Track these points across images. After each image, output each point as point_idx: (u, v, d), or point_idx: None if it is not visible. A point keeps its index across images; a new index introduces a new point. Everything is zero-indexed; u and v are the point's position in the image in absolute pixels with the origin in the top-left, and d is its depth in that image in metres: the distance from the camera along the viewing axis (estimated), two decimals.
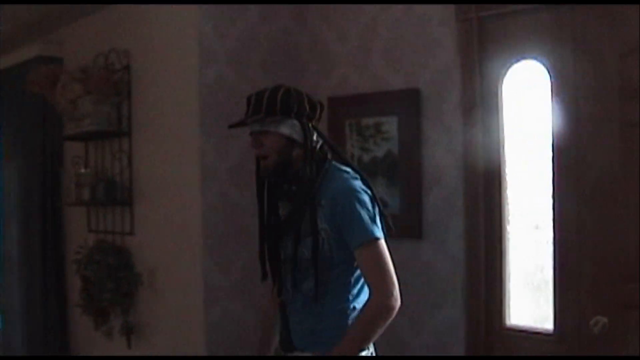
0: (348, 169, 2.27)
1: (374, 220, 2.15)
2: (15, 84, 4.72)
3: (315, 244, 2.17)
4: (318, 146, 2.29)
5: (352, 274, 2.21)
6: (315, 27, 3.63)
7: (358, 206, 2.14)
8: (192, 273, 3.44)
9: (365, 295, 2.21)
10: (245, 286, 3.47)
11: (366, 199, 2.17)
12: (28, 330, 4.83)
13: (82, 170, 4.09)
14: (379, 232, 2.14)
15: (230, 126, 2.40)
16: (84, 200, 3.99)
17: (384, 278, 2.10)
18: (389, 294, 2.09)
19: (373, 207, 2.17)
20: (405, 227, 3.17)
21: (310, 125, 2.28)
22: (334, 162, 2.30)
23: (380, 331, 2.10)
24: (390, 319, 2.09)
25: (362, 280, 2.21)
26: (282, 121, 2.24)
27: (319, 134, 2.32)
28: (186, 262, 3.49)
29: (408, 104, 3.16)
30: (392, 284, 2.10)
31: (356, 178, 2.23)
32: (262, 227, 2.39)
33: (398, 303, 2.10)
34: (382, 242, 2.14)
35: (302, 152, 2.25)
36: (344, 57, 3.48)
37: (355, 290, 2.22)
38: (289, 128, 2.24)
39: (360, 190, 2.18)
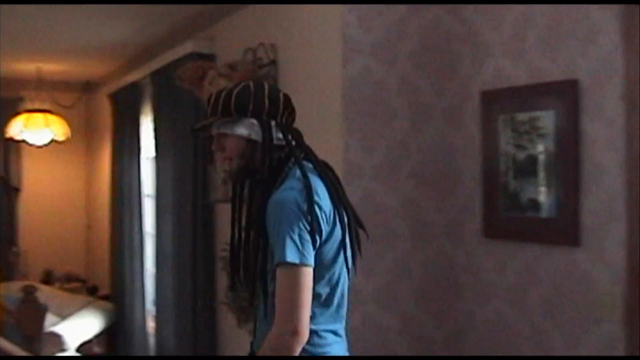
0: (300, 175, 2.13)
1: (295, 242, 2.00)
2: (170, 81, 4.96)
3: (256, 255, 2.14)
4: (286, 145, 2.21)
5: None
6: (468, 16, 3.52)
7: (281, 222, 2.03)
8: None
9: (321, 317, 2.14)
10: (390, 291, 3.43)
11: (294, 215, 2.03)
12: (179, 322, 5.06)
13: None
14: (294, 256, 1.99)
15: (193, 131, 2.38)
16: (229, 198, 4.11)
17: (283, 310, 1.99)
18: (284, 329, 1.97)
19: (301, 226, 2.02)
20: (561, 232, 3.01)
21: (273, 123, 2.21)
22: (297, 165, 2.17)
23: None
24: (289, 353, 1.99)
25: (320, 298, 2.13)
26: (238, 121, 2.19)
27: (286, 132, 2.23)
28: None
29: (566, 96, 2.99)
30: (292, 318, 1.97)
31: (296, 188, 2.08)
32: (232, 233, 2.34)
33: (298, 340, 1.97)
34: (298, 269, 1.99)
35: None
36: (498, 47, 3.35)
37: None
38: (247, 128, 2.19)
39: (292, 203, 2.04)
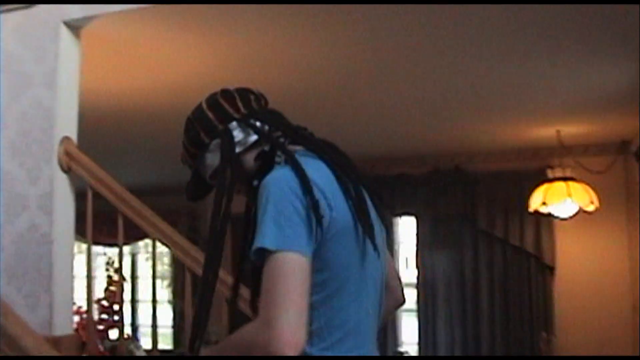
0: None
1: (278, 223, 1.63)
2: None
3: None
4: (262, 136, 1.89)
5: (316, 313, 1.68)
6: None
7: (266, 201, 1.67)
8: None
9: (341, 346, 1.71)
10: None
11: (280, 193, 1.66)
12: None
13: None
14: (272, 241, 1.61)
15: (191, 199, 2.07)
16: None
17: (265, 304, 1.59)
18: (264, 327, 1.57)
19: (290, 206, 1.64)
20: None
21: (234, 123, 1.89)
22: (280, 151, 1.82)
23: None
24: (262, 354, 1.57)
25: (335, 323, 1.71)
26: (206, 155, 1.93)
27: (252, 121, 1.89)
28: None
29: None
30: (273, 316, 1.56)
31: (284, 168, 1.74)
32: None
33: (278, 344, 1.53)
34: (281, 256, 1.60)
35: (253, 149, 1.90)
36: None
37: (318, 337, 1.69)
38: (215, 154, 1.90)
39: (278, 182, 1.69)
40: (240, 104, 1.93)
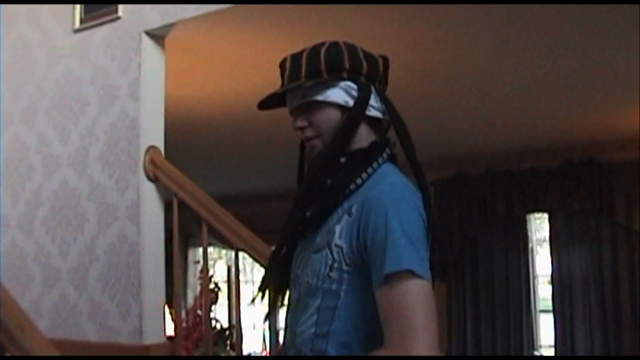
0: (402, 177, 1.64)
1: (416, 249, 1.52)
2: None
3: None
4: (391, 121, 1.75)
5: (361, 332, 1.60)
6: None
7: (397, 224, 1.53)
8: None
9: None
10: None
11: (415, 217, 1.57)
12: None
13: None
14: (419, 266, 1.50)
15: (261, 106, 1.83)
16: None
17: (404, 334, 1.45)
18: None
19: (421, 235, 1.56)
20: None
21: (372, 87, 1.73)
22: (390, 164, 1.72)
23: None
24: None
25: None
26: (332, 85, 1.71)
27: (389, 103, 1.74)
28: None
29: None
30: (416, 349, 1.43)
31: (407, 185, 1.62)
32: (284, 227, 1.79)
33: None
34: (424, 283, 1.50)
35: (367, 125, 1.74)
36: None
37: None
38: (344, 93, 1.71)
39: (410, 202, 1.58)
40: (383, 80, 1.81)
